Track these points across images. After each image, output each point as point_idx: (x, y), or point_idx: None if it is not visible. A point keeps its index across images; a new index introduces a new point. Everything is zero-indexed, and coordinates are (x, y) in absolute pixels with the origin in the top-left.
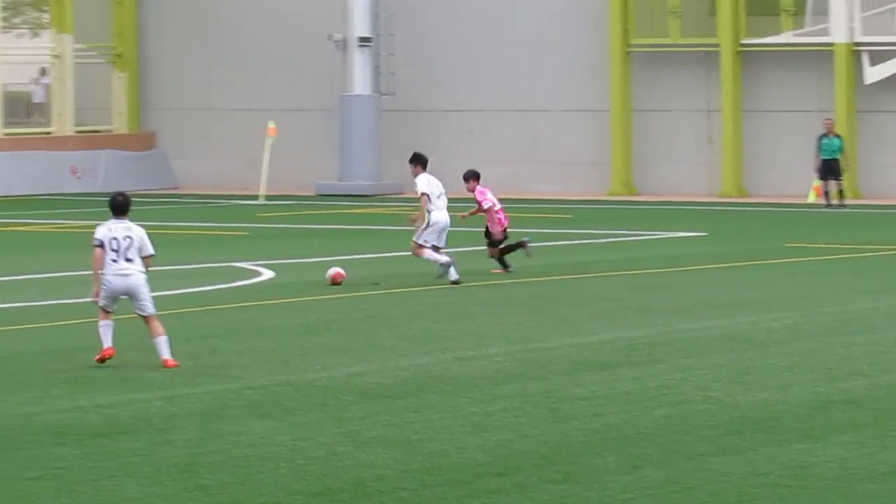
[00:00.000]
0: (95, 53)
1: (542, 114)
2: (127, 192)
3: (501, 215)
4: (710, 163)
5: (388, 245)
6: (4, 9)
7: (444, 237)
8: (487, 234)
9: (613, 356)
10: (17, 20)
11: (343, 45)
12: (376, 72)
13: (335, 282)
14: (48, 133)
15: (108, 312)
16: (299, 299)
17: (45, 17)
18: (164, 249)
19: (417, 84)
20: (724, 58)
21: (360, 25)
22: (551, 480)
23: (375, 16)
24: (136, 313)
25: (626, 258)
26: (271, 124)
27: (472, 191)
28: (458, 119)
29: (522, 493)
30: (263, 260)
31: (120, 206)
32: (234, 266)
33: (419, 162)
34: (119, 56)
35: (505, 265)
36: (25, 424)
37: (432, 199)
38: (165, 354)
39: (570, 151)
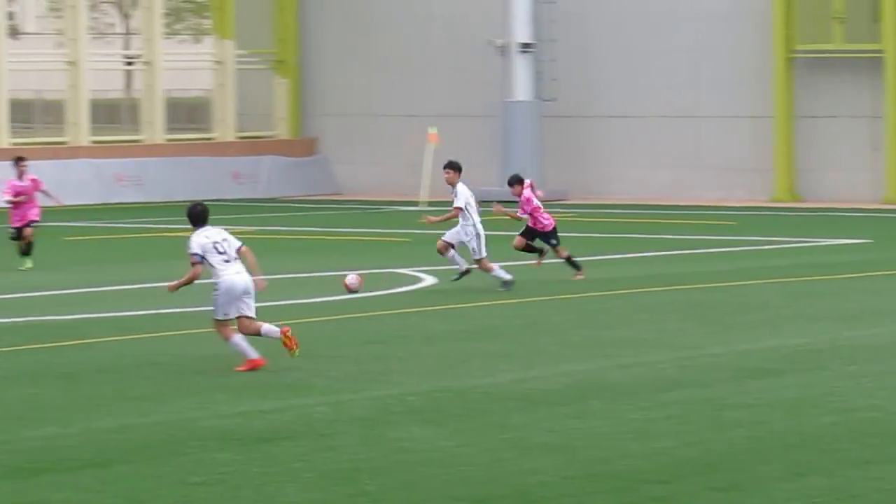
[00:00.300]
0: (258, 59)
1: (705, 119)
2: (203, 202)
3: (546, 216)
4: (875, 169)
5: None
6: (167, 15)
7: (482, 243)
8: (529, 230)
9: (778, 363)
10: (179, 26)
11: (504, 50)
12: (538, 77)
13: (350, 289)
14: (210, 139)
15: (230, 322)
16: (461, 305)
17: (207, 23)
18: (326, 255)
19: (579, 89)
20: (889, 63)
21: (521, 31)
22: (715, 488)
23: (537, 21)
24: (237, 315)
25: (790, 265)
26: (433, 131)
27: (519, 195)
28: (619, 125)
29: (685, 501)
30: (425, 266)
31: (201, 216)
32: (395, 272)
33: (455, 169)
34: (281, 62)
35: (538, 251)
36: (189, 429)
37: (471, 212)
38: (255, 353)
39: (733, 158)
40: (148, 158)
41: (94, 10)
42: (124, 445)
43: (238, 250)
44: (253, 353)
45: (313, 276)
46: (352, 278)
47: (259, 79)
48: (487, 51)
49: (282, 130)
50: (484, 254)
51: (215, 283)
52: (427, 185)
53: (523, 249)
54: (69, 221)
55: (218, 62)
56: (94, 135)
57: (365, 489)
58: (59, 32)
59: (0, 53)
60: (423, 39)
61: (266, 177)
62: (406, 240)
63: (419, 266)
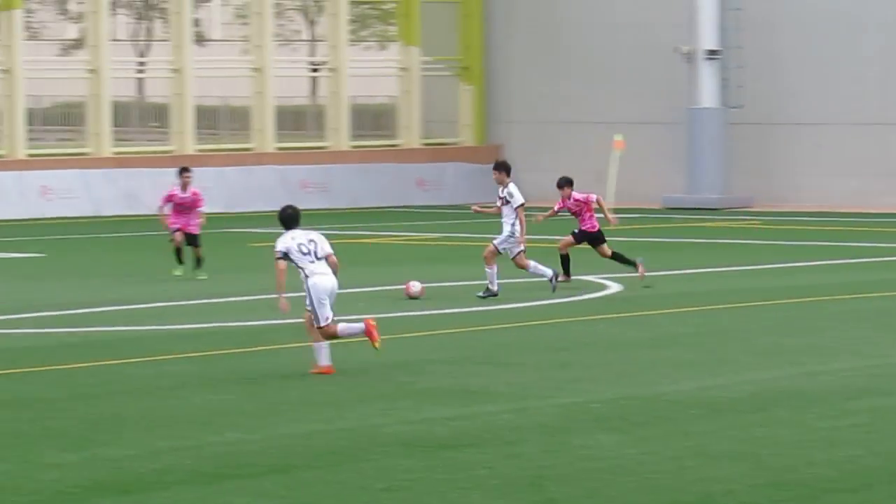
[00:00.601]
0: (443, 66)
1: (893, 127)
2: (294, 206)
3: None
4: None
5: (739, 258)
6: (352, 22)
7: (517, 248)
8: (582, 234)
9: None
10: (364, 33)
11: (691, 57)
12: (724, 84)
13: (411, 296)
14: (395, 146)
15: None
16: (647, 313)
17: (393, 30)
18: (509, 262)
19: (766, 97)
20: None
21: (708, 38)
22: None
23: (723, 28)
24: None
25: None
26: (619, 137)
27: (569, 197)
28: (807, 132)
29: None
30: (610, 273)
31: (291, 219)
32: (580, 279)
33: (504, 169)
34: (466, 69)
35: (567, 272)
36: (373, 436)
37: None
38: (327, 361)
39: None
40: (333, 165)
41: (280, 17)
42: (308, 451)
43: (326, 257)
44: (327, 361)
45: (498, 283)
46: (415, 286)
47: (444, 85)
48: (673, 58)
49: (466, 137)
50: (503, 250)
51: (305, 287)
52: (612, 191)
53: (563, 257)
54: (254, 228)
55: (403, 69)
56: (279, 141)
57: (550, 496)
58: (245, 39)
59: (186, 60)
60: (609, 46)
61: (450, 183)
62: (589, 247)
63: (604, 273)
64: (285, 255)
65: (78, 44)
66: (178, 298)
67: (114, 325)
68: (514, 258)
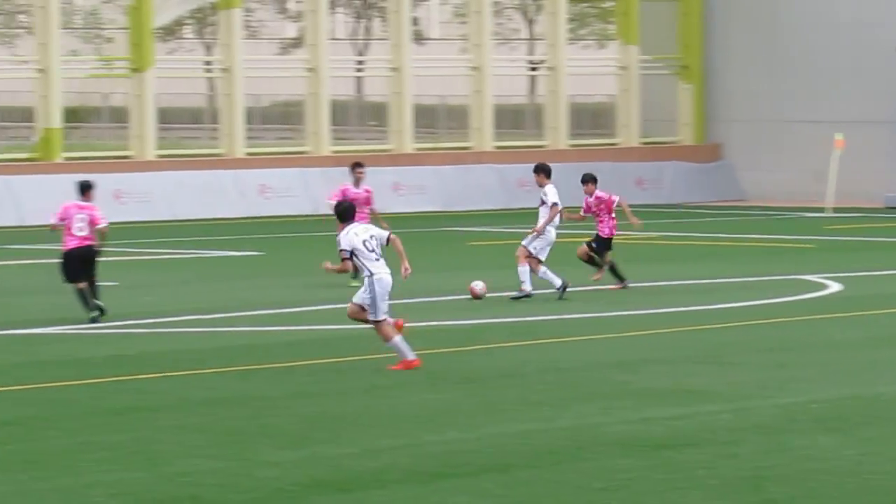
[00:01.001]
0: (662, 65)
1: None
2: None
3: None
4: None
5: None
6: (571, 20)
7: (546, 252)
8: (599, 241)
9: None
10: (583, 31)
11: None
12: None
13: (476, 295)
14: (614, 144)
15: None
16: (868, 312)
17: (612, 29)
18: (729, 261)
19: None
20: None
21: None
22: None
23: None
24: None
25: None
26: (839, 136)
27: (591, 194)
28: None
29: None
30: (831, 272)
31: (348, 213)
32: (800, 279)
33: (544, 172)
34: (685, 67)
35: (597, 265)
36: (593, 435)
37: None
38: (412, 354)
39: None
40: (553, 164)
41: (499, 16)
42: (526, 450)
43: (388, 238)
44: (410, 354)
45: (718, 283)
46: (479, 286)
47: (663, 84)
48: (894, 57)
49: (686, 136)
50: (532, 250)
51: (367, 283)
52: (832, 190)
53: (586, 261)
54: (472, 226)
55: (622, 67)
56: (497, 140)
57: (770, 497)
58: (464, 38)
59: (405, 59)
60: (829, 44)
61: (669, 183)
62: (811, 246)
63: (825, 272)
64: (351, 254)
65: (297, 42)
66: (396, 297)
67: (332, 324)
68: (525, 251)
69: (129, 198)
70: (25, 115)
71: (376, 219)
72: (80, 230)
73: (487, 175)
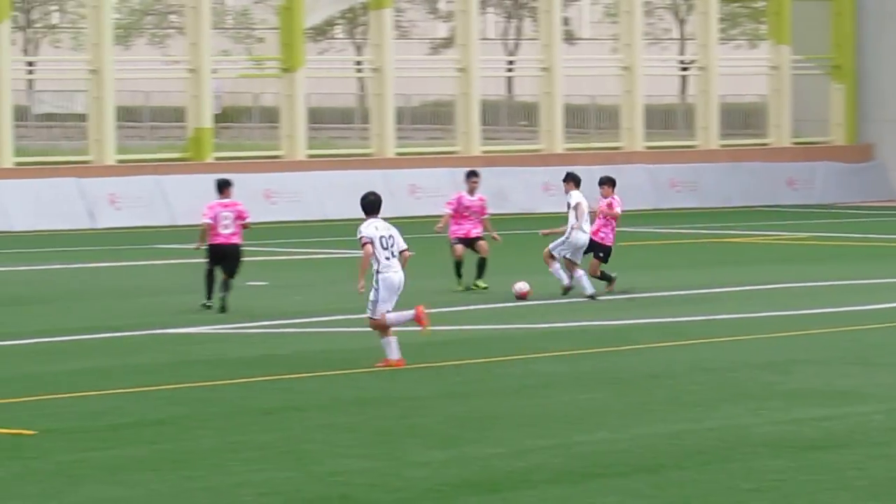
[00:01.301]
0: (813, 65)
1: None
2: (375, 192)
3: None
4: None
5: None
6: (722, 20)
7: (580, 254)
8: (597, 247)
9: None
10: (734, 31)
11: None
12: None
13: (521, 296)
14: (765, 145)
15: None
16: None
17: (763, 29)
18: (881, 261)
19: None
20: None
21: None
22: None
23: None
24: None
25: None
26: None
27: (607, 196)
28: None
29: None
30: None
31: (373, 205)
32: None
33: (574, 181)
34: (837, 67)
35: (608, 278)
36: (741, 436)
37: (584, 217)
38: (397, 355)
39: None
40: (703, 164)
41: (650, 16)
42: (676, 451)
43: (401, 252)
44: (396, 354)
45: (870, 283)
46: (521, 287)
47: (815, 84)
48: None
49: (837, 136)
50: (557, 253)
51: (375, 279)
52: None
53: (598, 277)
54: (623, 227)
55: (773, 67)
56: (648, 140)
57: None
58: (615, 38)
59: (556, 59)
60: None
61: (821, 183)
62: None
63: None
64: (371, 241)
65: (447, 42)
66: (550, 298)
67: (481, 324)
68: (551, 249)
69: (279, 197)
70: (177, 114)
71: (487, 228)
72: (225, 227)
73: (638, 175)
